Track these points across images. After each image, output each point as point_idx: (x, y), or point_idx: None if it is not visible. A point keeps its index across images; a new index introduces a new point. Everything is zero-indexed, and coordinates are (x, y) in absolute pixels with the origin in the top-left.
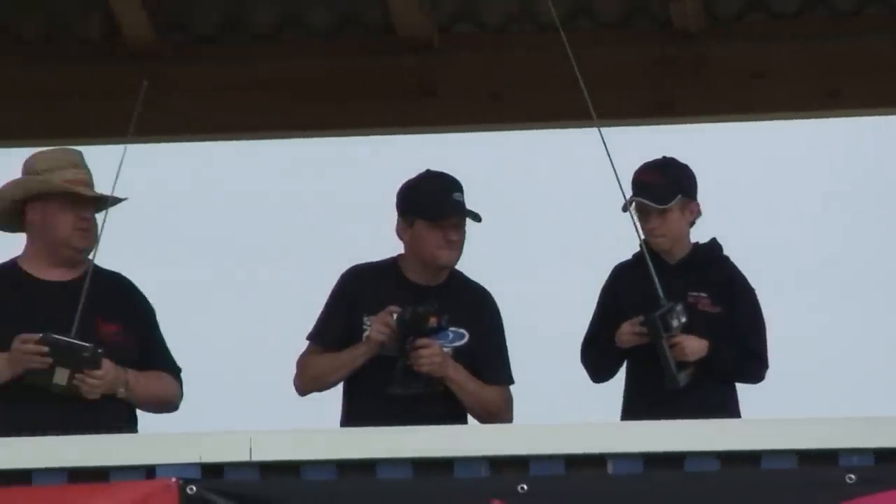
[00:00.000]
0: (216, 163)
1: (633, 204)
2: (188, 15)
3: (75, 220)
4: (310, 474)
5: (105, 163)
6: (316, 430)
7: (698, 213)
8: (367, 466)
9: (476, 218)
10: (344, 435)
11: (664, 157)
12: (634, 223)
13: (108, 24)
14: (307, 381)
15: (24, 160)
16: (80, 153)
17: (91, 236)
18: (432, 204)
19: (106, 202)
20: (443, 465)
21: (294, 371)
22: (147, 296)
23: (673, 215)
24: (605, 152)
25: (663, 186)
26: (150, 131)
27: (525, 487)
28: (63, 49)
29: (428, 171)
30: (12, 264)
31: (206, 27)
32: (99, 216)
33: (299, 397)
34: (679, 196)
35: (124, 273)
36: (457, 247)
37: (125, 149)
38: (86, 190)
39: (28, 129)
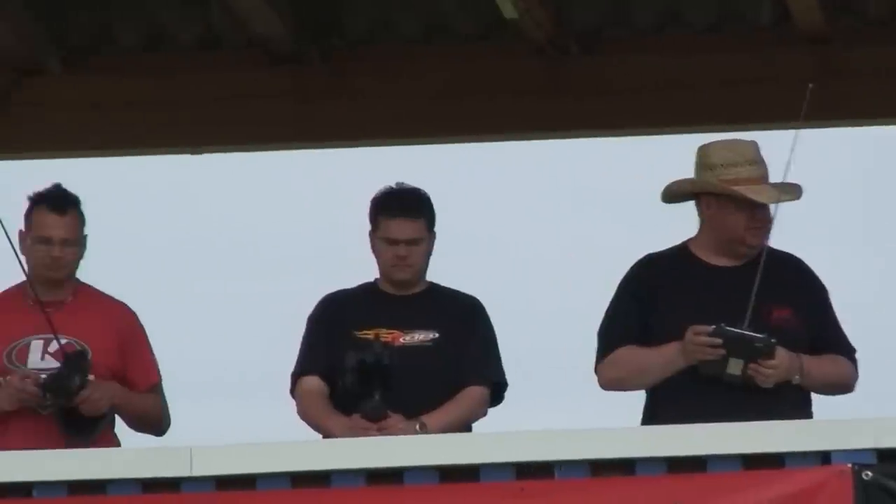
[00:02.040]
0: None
1: None
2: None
3: (748, 221)
4: None
5: (776, 147)
6: None
7: None
8: None
9: None
10: None
11: None
12: None
13: (779, 9)
14: None
15: (700, 147)
16: (755, 146)
17: (765, 234)
18: None
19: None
20: None
21: None
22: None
23: None
24: None
25: None
26: (821, 116)
27: None
28: (735, 34)
29: None
30: (683, 247)
31: (877, 12)
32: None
33: None
34: None
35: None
36: None
37: (796, 134)
38: (757, 195)
39: (737, 115)
